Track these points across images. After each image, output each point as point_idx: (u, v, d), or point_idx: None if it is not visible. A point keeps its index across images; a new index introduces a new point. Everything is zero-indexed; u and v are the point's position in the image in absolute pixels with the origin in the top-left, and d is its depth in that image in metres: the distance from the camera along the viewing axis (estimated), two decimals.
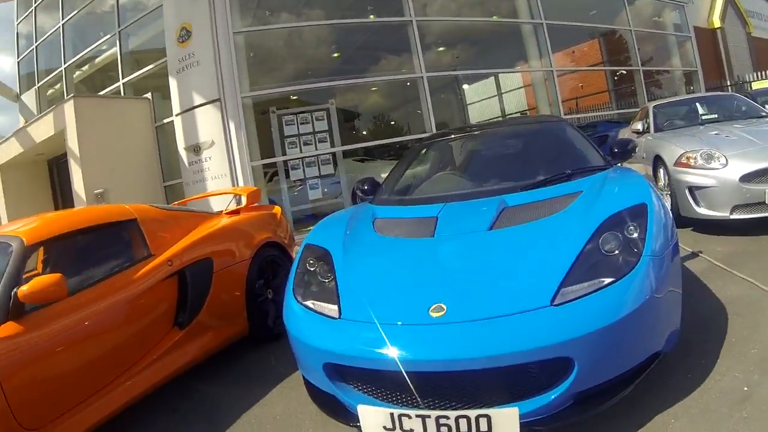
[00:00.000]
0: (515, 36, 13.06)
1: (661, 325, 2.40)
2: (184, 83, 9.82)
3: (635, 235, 2.45)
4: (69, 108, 9.89)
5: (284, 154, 10.02)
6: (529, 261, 2.49)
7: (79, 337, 2.89)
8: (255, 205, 5.11)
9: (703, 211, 5.10)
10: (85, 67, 13.48)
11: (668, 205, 5.43)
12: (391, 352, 2.16)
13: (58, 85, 13.88)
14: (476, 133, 4.70)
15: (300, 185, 10.30)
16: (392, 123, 16.61)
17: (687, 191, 5.22)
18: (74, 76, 13.63)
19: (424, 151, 4.62)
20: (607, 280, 2.25)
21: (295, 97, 11.50)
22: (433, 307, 2.27)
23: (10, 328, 2.60)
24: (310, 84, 10.89)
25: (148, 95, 11.05)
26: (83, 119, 9.88)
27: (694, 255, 4.53)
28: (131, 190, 10.05)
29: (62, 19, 13.26)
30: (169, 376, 3.35)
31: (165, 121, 10.68)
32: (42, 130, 10.77)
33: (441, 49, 14.57)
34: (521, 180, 3.41)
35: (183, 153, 9.98)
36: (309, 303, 2.68)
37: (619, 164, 3.78)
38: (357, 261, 2.84)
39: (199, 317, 3.63)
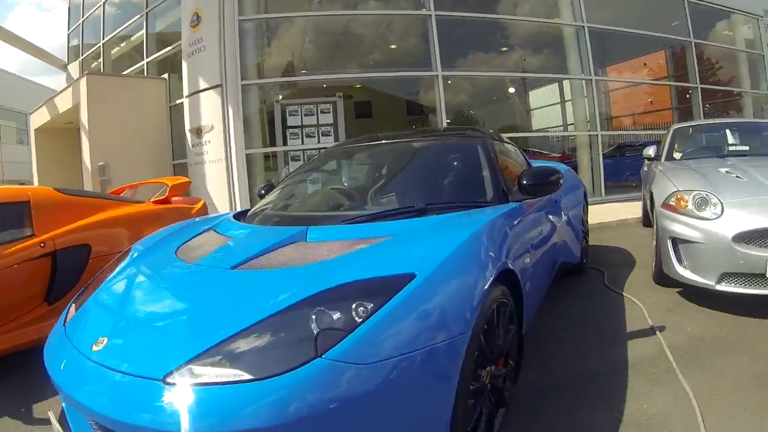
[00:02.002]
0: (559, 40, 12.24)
1: None
2: (193, 67, 9.95)
3: (359, 320, 1.69)
4: (83, 84, 10.37)
5: (285, 144, 9.97)
6: (211, 316, 1.93)
7: None
8: (179, 198, 5.22)
9: (684, 272, 3.95)
10: (123, 44, 13.89)
11: (652, 256, 4.66)
12: (55, 374, 1.99)
13: (100, 59, 14.30)
14: (375, 146, 4.03)
15: None
16: (409, 122, 16.04)
17: (670, 243, 4.08)
18: (112, 52, 14.11)
19: (320, 159, 4.26)
20: (245, 376, 1.58)
21: (311, 87, 11.28)
22: (99, 339, 1.95)
23: None
24: (314, 75, 10.68)
25: (165, 76, 11.32)
26: (95, 95, 10.30)
27: (650, 332, 3.53)
28: (139, 165, 10.27)
29: None
30: (31, 343, 3.58)
31: (177, 102, 10.87)
32: (64, 102, 11.33)
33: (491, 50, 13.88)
34: (373, 207, 3.03)
35: (188, 134, 10.13)
36: (73, 304, 2.54)
37: (526, 200, 3.08)
38: (122, 271, 2.65)
39: (68, 297, 3.73)
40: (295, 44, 11.39)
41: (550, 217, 3.75)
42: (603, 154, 11.93)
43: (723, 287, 3.70)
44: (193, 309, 2.05)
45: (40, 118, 12.99)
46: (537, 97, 20.75)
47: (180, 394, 1.59)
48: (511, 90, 16.77)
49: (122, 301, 2.35)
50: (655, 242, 4.53)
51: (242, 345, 1.68)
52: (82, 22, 15.31)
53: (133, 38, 13.28)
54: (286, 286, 1.96)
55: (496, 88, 15.83)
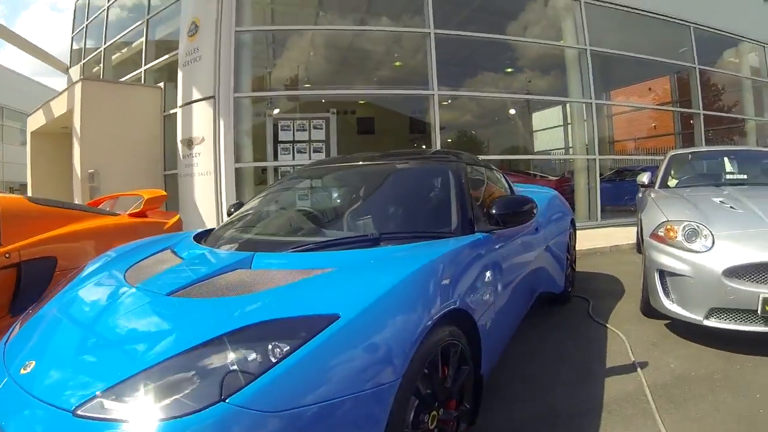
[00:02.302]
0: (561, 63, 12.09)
1: None
2: (188, 77, 9.88)
3: (274, 361, 1.56)
4: (78, 89, 10.32)
5: (276, 159, 9.86)
6: (131, 346, 1.86)
7: None
8: (156, 210, 5.29)
9: (671, 306, 3.79)
10: (125, 50, 13.88)
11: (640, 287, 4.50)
12: None
13: (101, 65, 14.31)
14: (345, 167, 3.93)
15: None
16: (411, 140, 15.88)
17: (657, 275, 3.91)
18: (113, 57, 14.12)
19: (290, 179, 4.10)
20: (150, 416, 1.49)
21: (309, 102, 11.16)
22: (28, 362, 1.87)
23: None
24: (307, 91, 10.59)
25: (161, 85, 11.30)
26: (89, 101, 10.25)
27: (631, 368, 3.34)
28: (129, 174, 10.16)
29: (108, 1, 13.65)
30: None
31: (172, 111, 10.79)
32: (59, 106, 11.29)
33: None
34: (331, 234, 2.95)
35: (179, 145, 10.04)
36: (20, 321, 2.44)
37: (496, 230, 2.90)
38: (69, 289, 2.58)
39: None
40: (292, 58, 11.35)
41: (528, 246, 3.64)
42: (602, 178, 11.83)
43: (711, 323, 3.56)
44: (116, 336, 1.97)
45: (36, 121, 12.95)
46: (541, 119, 20.67)
47: (88, 429, 1.51)
48: (513, 111, 16.70)
49: (55, 321, 2.25)
50: (643, 273, 4.34)
51: (153, 380, 1.58)
52: (86, 25, 15.35)
53: (134, 44, 13.26)
54: (212, 319, 1.84)
55: (499, 109, 15.78)
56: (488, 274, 2.64)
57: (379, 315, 1.82)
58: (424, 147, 14.75)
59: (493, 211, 2.88)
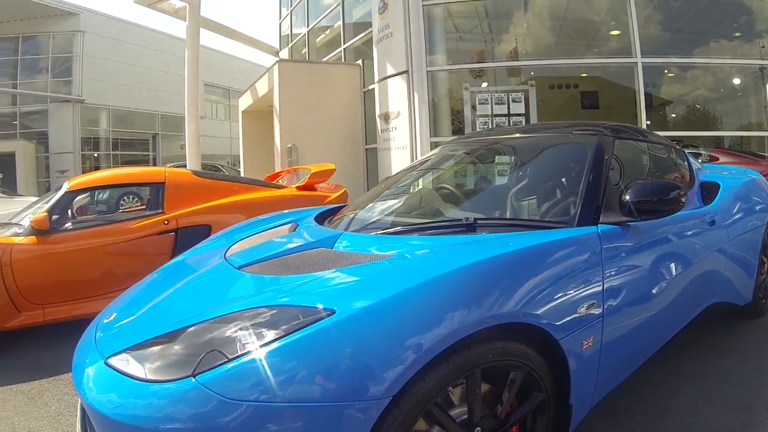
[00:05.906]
0: None
1: None
2: (382, 53, 9.99)
3: (251, 347, 1.51)
4: (276, 71, 10.96)
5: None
6: (171, 312, 1.96)
7: (74, 257, 3.99)
8: (322, 185, 5.59)
9: None
10: (327, 32, 14.45)
11: None
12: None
13: (306, 48, 15.17)
14: (479, 145, 3.60)
15: None
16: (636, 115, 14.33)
17: None
18: (317, 40, 14.81)
19: (426, 160, 3.76)
20: (142, 375, 1.59)
21: (511, 75, 10.63)
22: (112, 314, 2.13)
23: (29, 240, 3.90)
24: (504, 63, 10.04)
25: (359, 62, 11.57)
26: (286, 81, 10.85)
27: None
28: (328, 148, 10.64)
29: None
30: None
31: (370, 87, 11.01)
32: (262, 87, 12.12)
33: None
34: (436, 216, 2.88)
35: (378, 120, 10.22)
36: None
37: (632, 222, 2.34)
38: (183, 255, 2.87)
39: None
40: (485, 30, 10.85)
41: (692, 243, 2.92)
42: None
43: None
44: (173, 301, 2.12)
45: (245, 101, 14.13)
46: None
47: (105, 376, 1.68)
48: (738, 81, 14.42)
49: (149, 282, 2.51)
50: None
51: (163, 345, 1.69)
52: (290, 11, 16.32)
53: (334, 26, 13.82)
54: (244, 295, 1.91)
55: (726, 79, 13.74)
56: (603, 278, 2.11)
57: (384, 318, 1.58)
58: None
59: (627, 198, 2.30)
